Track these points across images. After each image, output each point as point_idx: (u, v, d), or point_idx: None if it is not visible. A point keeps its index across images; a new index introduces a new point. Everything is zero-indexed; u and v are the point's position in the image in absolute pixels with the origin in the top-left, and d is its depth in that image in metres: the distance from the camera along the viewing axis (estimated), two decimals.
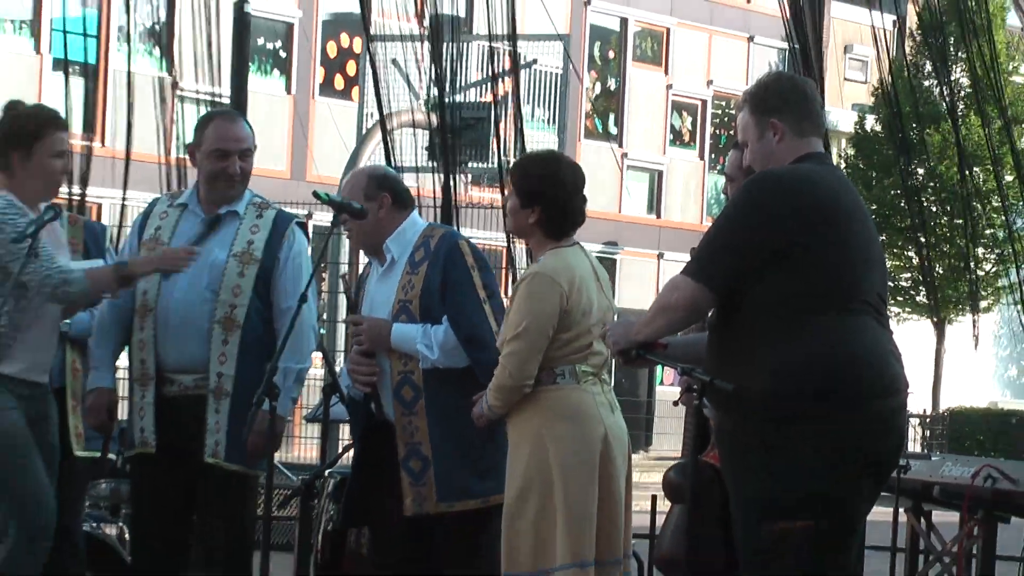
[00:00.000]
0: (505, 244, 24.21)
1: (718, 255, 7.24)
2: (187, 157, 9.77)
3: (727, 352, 7.28)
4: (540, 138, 38.67)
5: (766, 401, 7.11)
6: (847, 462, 7.18)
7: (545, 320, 8.25)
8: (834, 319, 7.18)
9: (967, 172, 21.78)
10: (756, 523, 7.21)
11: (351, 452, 10.42)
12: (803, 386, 7.09)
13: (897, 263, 43.94)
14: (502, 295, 8.99)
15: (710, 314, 7.46)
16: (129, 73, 22.45)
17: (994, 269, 47.13)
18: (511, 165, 8.88)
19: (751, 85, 7.74)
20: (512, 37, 22.11)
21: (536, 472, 8.26)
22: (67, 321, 9.44)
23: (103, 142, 23.41)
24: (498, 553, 8.71)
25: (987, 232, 46.77)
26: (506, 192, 8.63)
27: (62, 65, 35.55)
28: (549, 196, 8.46)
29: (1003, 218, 45.43)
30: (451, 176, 20.00)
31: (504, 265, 30.38)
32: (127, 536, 10.07)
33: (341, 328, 28.23)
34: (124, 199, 22.42)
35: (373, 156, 28.27)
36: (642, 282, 43.91)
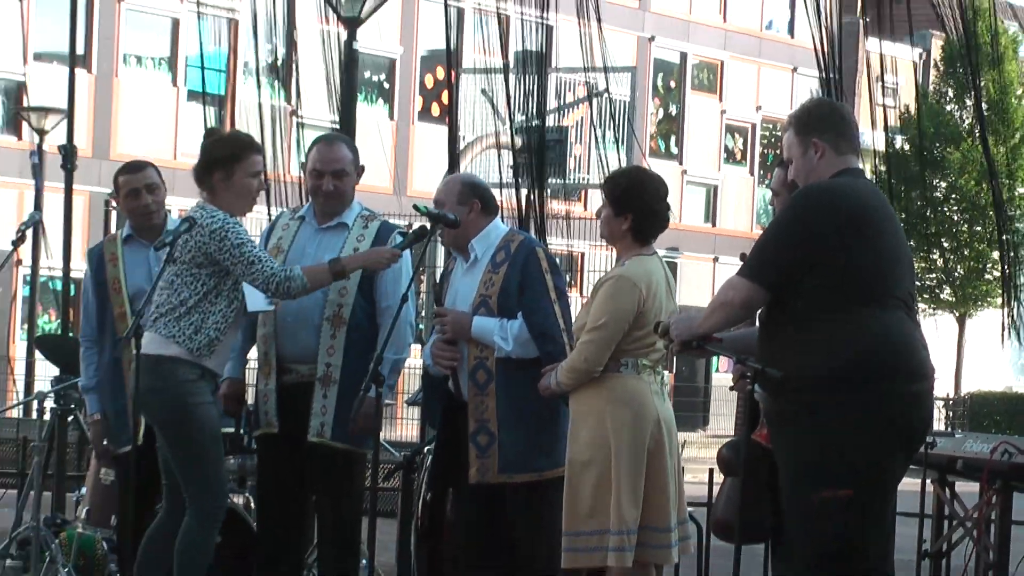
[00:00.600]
0: (578, 250, 24.19)
1: (770, 259, 7.25)
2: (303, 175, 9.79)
3: (777, 343, 7.27)
4: (610, 157, 38.63)
5: (814, 384, 7.13)
6: (884, 437, 7.17)
7: (622, 318, 8.27)
8: (871, 313, 7.19)
9: (994, 183, 21.66)
10: (803, 492, 7.21)
11: None
12: (846, 371, 7.10)
13: (923, 265, 43.76)
14: (574, 294, 9.03)
15: (760, 310, 7.46)
16: (259, 104, 22.52)
17: (1011, 270, 46.93)
18: (604, 180, 8.83)
19: (796, 109, 7.71)
20: (586, 69, 22.07)
21: (597, 446, 8.29)
22: None
23: None
24: (556, 520, 8.77)
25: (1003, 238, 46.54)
26: (600, 203, 8.61)
27: (197, 96, 35.75)
28: (638, 205, 8.47)
29: (1017, 224, 45.45)
30: (533, 191, 19.94)
31: (579, 268, 30.38)
32: (252, 505, 10.07)
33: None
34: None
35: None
36: (699, 283, 43.84)
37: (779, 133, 50.38)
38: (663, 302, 8.41)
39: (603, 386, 8.33)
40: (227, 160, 8.98)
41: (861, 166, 7.50)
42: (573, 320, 8.81)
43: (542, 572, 8.84)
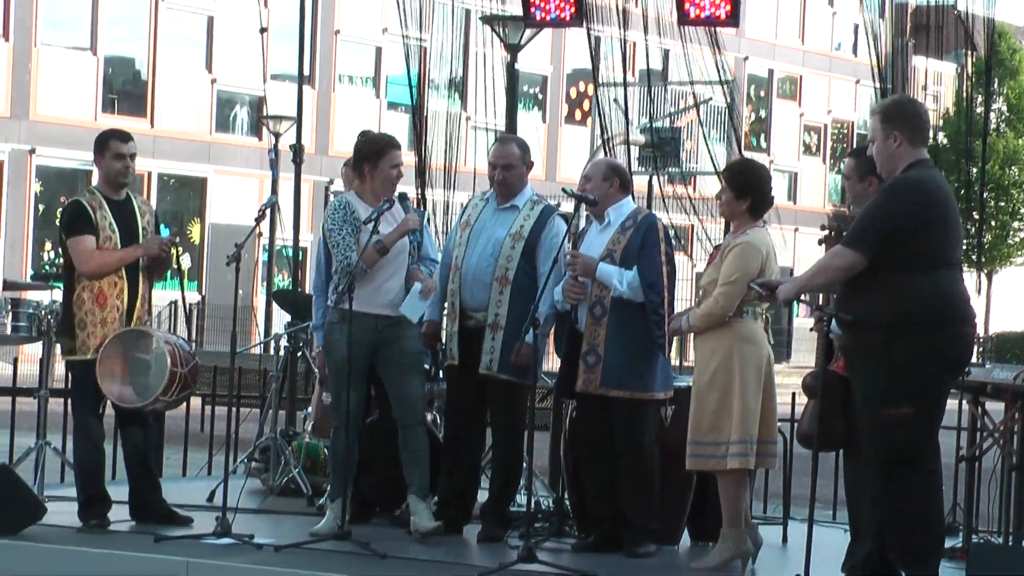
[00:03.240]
0: (688, 223, 24.05)
1: (871, 233, 7.17)
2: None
3: (862, 293, 7.21)
4: (716, 151, 38.36)
5: (889, 325, 7.08)
6: (941, 367, 7.15)
7: (749, 274, 8.18)
8: (938, 274, 7.16)
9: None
10: (874, 409, 7.16)
11: None
12: (916, 315, 7.08)
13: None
14: (683, 258, 9.03)
15: None
16: (448, 113, 22.57)
17: None
18: (724, 170, 8.82)
19: (885, 100, 7.65)
20: (692, 82, 21.96)
21: (723, 373, 8.19)
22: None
23: (418, 156, 23.60)
24: (647, 433, 8.80)
25: (1021, 210, 46.87)
26: (718, 188, 8.56)
27: (395, 107, 35.83)
28: (755, 189, 8.40)
29: None
30: (655, 175, 19.85)
31: (689, 238, 30.20)
32: (439, 421, 10.08)
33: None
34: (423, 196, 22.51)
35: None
36: (783, 251, 43.54)
37: (846, 132, 50.04)
38: (775, 264, 8.35)
39: (731, 328, 8.22)
40: (374, 155, 8.99)
41: None
42: (678, 279, 8.89)
43: (629, 475, 8.82)
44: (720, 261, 8.34)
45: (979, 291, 45.70)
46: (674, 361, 9.19)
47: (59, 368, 10.34)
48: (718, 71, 19.06)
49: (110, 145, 9.23)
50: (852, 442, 7.67)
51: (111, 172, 9.20)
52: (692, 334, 8.52)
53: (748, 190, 8.40)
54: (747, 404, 8.17)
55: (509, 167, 9.22)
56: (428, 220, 10.14)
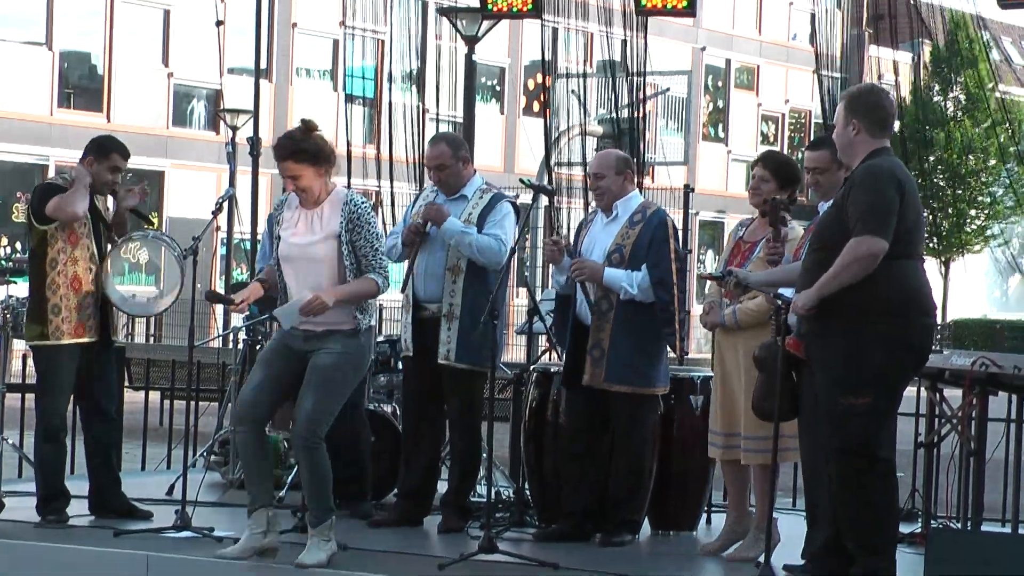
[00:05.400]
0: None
1: (889, 218, 7.06)
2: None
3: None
4: (671, 141, 38.43)
5: (850, 313, 7.07)
6: (901, 357, 7.14)
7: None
8: (901, 263, 7.13)
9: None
10: (832, 396, 7.16)
11: (545, 356, 10.43)
12: (879, 304, 7.06)
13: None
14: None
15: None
16: (405, 105, 22.55)
17: (983, 224, 47.56)
18: (762, 156, 8.73)
19: (852, 88, 7.59)
20: (650, 73, 22.00)
21: (744, 370, 8.25)
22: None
23: (379, 150, 23.56)
24: (649, 426, 8.83)
25: (979, 199, 46.99)
26: (759, 175, 8.47)
27: (353, 99, 35.73)
28: (798, 180, 8.47)
29: (990, 189, 45.46)
30: None
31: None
32: (399, 412, 10.07)
33: (539, 271, 28.22)
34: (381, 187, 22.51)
35: (561, 155, 28.17)
36: None
37: (803, 121, 50.22)
38: None
39: (766, 329, 8.06)
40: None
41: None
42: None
43: (627, 468, 8.84)
44: (765, 255, 8.21)
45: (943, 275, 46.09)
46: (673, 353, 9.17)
47: (16, 363, 10.29)
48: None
49: (112, 157, 9.21)
50: (803, 421, 7.65)
51: (101, 180, 9.19)
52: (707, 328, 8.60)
53: (792, 180, 8.44)
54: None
55: (442, 167, 9.21)
56: (378, 210, 10.12)
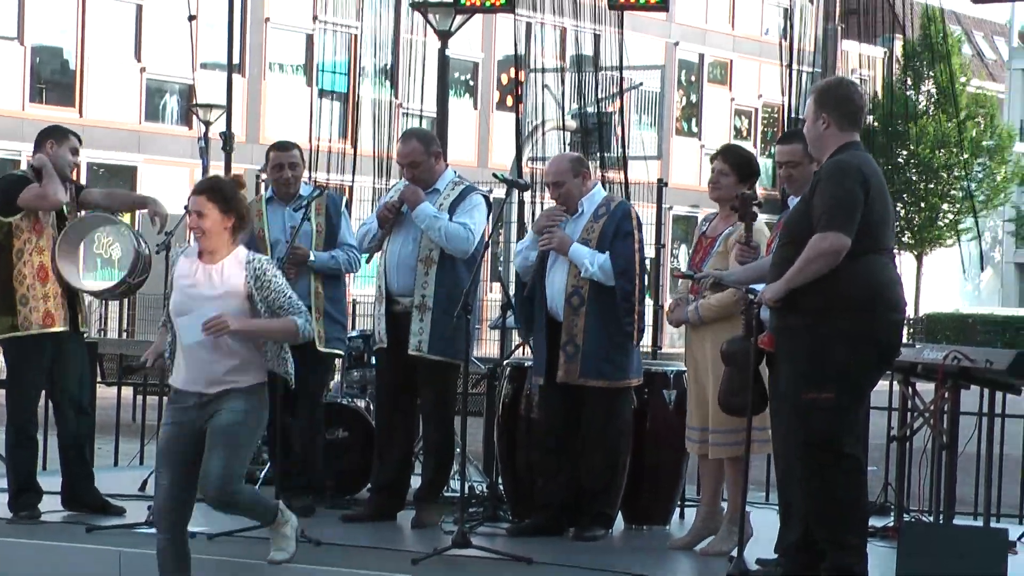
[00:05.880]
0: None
1: (853, 214, 7.02)
2: None
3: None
4: (645, 136, 38.48)
5: (817, 308, 7.04)
6: (867, 353, 7.10)
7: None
8: (869, 258, 7.09)
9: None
10: (796, 391, 7.13)
11: (519, 351, 10.43)
12: (846, 300, 7.03)
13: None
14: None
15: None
16: (378, 100, 22.53)
17: (956, 218, 47.62)
18: (722, 149, 8.78)
19: (822, 81, 7.57)
20: (625, 67, 22.01)
21: (716, 365, 8.19)
22: (312, 258, 9.48)
23: (354, 146, 23.53)
24: (624, 419, 8.85)
25: (951, 193, 47.09)
26: (718, 168, 8.53)
27: (326, 94, 35.69)
28: (756, 172, 8.57)
29: (963, 183, 45.52)
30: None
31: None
32: (372, 407, 10.06)
33: (511, 266, 28.21)
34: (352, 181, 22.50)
35: (534, 150, 28.18)
36: None
37: (776, 115, 50.32)
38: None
39: (731, 323, 8.13)
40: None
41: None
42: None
43: (603, 462, 8.86)
44: (725, 251, 8.27)
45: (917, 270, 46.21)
46: (647, 348, 9.20)
47: None
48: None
49: (70, 138, 9.24)
50: (776, 417, 7.65)
51: (63, 162, 9.16)
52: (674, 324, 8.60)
53: (751, 174, 8.51)
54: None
55: (414, 164, 9.22)
56: (344, 204, 10.08)
